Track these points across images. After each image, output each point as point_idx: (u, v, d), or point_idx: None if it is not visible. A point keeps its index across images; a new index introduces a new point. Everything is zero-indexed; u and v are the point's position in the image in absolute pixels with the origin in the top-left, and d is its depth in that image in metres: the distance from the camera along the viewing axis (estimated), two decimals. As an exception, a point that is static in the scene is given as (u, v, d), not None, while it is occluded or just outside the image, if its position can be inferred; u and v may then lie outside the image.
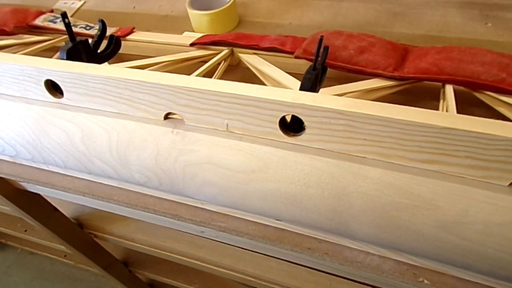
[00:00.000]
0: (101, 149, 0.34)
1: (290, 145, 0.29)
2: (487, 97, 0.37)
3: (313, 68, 0.30)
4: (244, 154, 0.30)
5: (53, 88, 0.37)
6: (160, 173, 0.33)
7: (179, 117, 0.33)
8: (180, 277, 0.88)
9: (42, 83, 0.35)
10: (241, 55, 0.49)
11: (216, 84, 0.30)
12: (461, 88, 0.39)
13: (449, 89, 0.37)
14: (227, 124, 0.31)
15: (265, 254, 0.64)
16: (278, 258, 0.63)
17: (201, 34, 0.53)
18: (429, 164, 0.26)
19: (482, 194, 0.24)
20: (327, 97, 0.27)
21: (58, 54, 0.38)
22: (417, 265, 0.33)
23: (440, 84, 0.40)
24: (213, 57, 0.48)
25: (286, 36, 0.48)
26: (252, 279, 0.62)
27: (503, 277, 0.25)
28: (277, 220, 0.34)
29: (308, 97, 0.27)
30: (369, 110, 0.25)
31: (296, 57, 0.44)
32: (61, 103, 0.36)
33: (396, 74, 0.40)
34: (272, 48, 0.47)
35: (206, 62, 0.47)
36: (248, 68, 0.49)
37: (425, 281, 0.32)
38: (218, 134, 0.31)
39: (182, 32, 0.57)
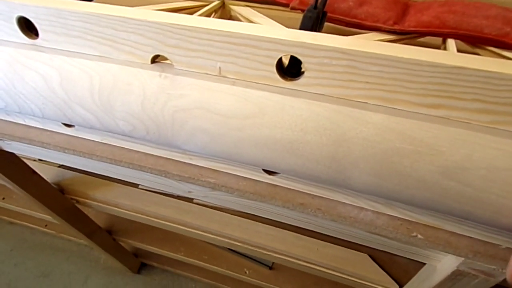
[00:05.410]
0: (82, 94, 0.31)
1: (287, 90, 0.28)
2: (489, 53, 0.36)
3: (314, 6, 0.28)
4: (238, 99, 0.28)
5: (27, 28, 0.33)
6: (147, 120, 0.30)
7: (168, 62, 0.31)
8: (166, 245, 0.88)
9: (14, 21, 0.32)
10: (232, 7, 0.46)
11: (208, 22, 0.27)
12: (461, 43, 0.38)
13: (451, 43, 0.36)
14: (219, 68, 0.29)
15: (252, 219, 0.64)
16: (265, 223, 0.62)
17: (191, -15, 0.50)
18: (434, 109, 0.24)
19: (487, 139, 0.23)
20: (329, 36, 0.25)
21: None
22: (411, 220, 0.32)
23: (440, 40, 0.39)
24: (202, 8, 0.45)
25: (282, -14, 0.46)
26: (239, 244, 0.61)
27: (503, 225, 0.24)
28: (269, 171, 0.33)
29: (309, 36, 0.25)
30: (374, 49, 0.24)
31: (292, 9, 0.42)
32: (37, 45, 0.33)
33: (396, 27, 0.38)
34: None
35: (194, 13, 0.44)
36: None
37: (419, 236, 0.31)
38: (209, 78, 0.29)
39: (170, -17, 0.53)
